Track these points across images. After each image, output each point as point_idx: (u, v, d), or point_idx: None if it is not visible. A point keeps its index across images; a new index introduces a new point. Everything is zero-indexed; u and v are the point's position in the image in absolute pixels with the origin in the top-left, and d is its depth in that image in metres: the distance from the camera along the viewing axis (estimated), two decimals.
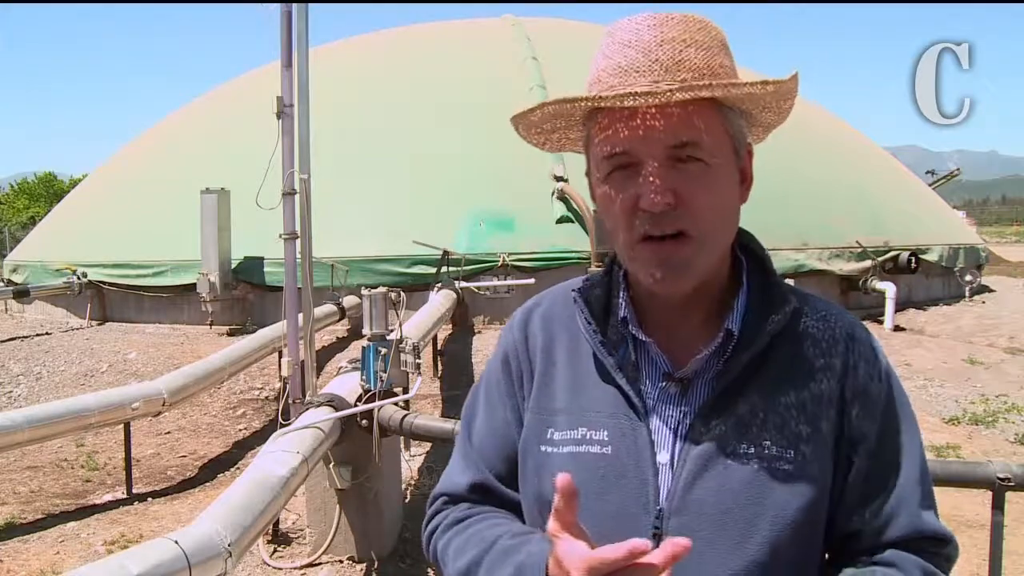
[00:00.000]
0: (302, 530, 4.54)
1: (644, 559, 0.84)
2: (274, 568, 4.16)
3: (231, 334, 9.84)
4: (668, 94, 0.95)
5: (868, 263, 11.23)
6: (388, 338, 4.19)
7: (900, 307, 11.04)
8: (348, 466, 4.10)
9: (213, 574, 2.47)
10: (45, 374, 8.39)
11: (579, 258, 9.85)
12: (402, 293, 4.49)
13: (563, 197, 10.26)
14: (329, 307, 8.94)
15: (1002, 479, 2.80)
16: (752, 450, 1.01)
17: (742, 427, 1.03)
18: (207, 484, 5.67)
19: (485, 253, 9.94)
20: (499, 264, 9.86)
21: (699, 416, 1.04)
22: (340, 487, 4.10)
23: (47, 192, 40.39)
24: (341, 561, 4.18)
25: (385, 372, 4.03)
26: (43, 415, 4.83)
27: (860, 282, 11.18)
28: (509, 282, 9.55)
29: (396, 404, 3.99)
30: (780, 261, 10.28)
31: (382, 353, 4.05)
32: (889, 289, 10.79)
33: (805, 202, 11.45)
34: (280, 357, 6.29)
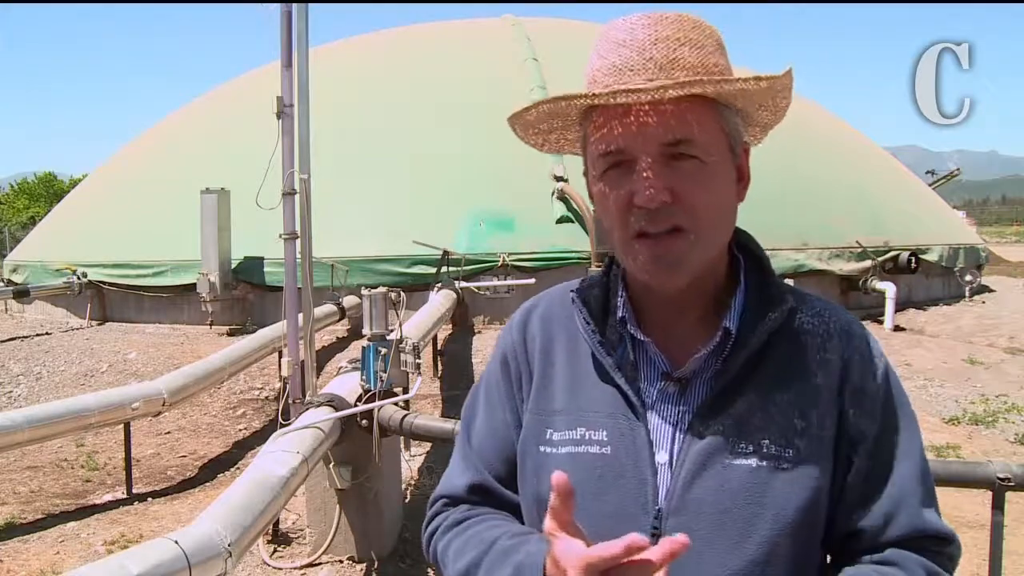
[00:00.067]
0: (302, 530, 4.53)
1: (641, 556, 0.83)
2: (274, 568, 4.16)
3: (231, 334, 9.85)
4: (661, 90, 0.96)
5: (868, 263, 11.23)
6: (388, 338, 4.19)
7: (900, 307, 11.04)
8: (348, 466, 4.10)
9: (213, 574, 2.47)
10: (45, 374, 8.39)
11: (579, 258, 9.85)
12: (402, 293, 4.49)
13: (563, 197, 10.26)
14: (329, 307, 8.94)
15: (1002, 479, 2.81)
16: (751, 449, 1.01)
17: (741, 426, 1.02)
18: (207, 484, 5.67)
19: (485, 253, 9.94)
20: (499, 264, 9.86)
21: (698, 415, 1.04)
22: (340, 487, 4.10)
23: (47, 192, 40.38)
24: (341, 561, 4.18)
25: (385, 372, 4.03)
26: (43, 415, 4.83)
27: (860, 282, 11.18)
28: (509, 282, 9.55)
29: (396, 404, 4.00)
30: (780, 261, 10.28)
31: (382, 353, 4.05)
32: (889, 289, 10.78)
33: (805, 202, 11.46)
34: (280, 357, 6.30)
